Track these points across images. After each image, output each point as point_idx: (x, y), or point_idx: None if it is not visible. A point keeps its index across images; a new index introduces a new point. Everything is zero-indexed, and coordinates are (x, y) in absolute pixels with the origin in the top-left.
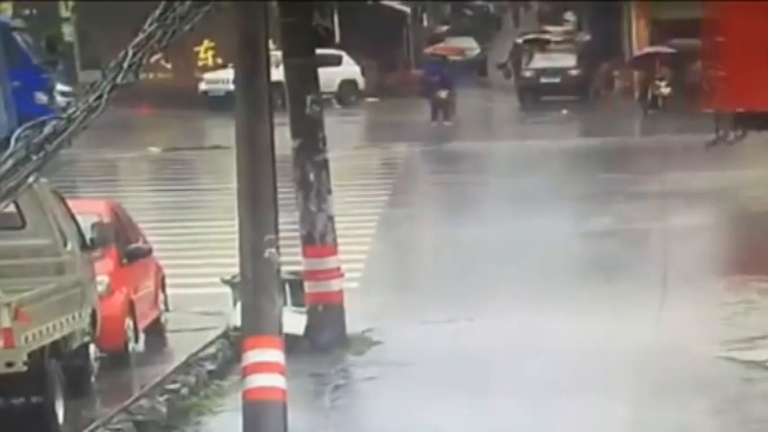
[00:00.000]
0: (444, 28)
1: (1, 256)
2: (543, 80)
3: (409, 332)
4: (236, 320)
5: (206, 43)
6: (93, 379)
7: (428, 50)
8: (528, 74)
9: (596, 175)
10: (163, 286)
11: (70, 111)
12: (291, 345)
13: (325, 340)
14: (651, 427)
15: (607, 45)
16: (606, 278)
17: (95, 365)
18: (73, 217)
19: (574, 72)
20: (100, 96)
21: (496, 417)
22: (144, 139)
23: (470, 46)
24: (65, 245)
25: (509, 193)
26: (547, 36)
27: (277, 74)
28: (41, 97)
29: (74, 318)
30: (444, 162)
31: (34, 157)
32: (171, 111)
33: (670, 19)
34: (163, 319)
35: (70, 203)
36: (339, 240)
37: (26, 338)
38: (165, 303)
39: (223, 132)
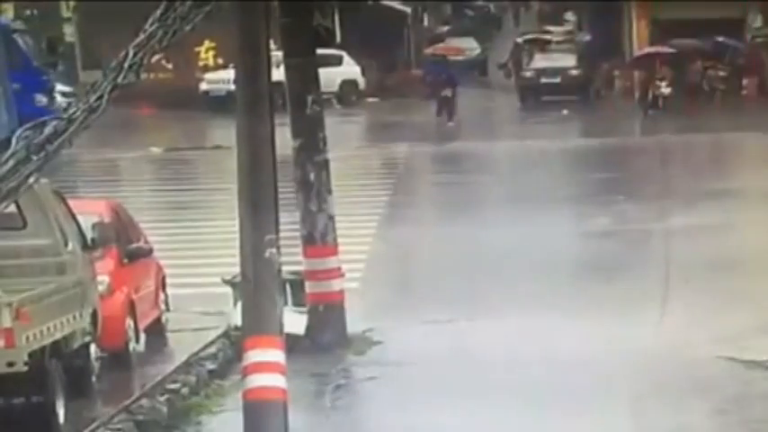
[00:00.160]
0: (445, 28)
1: (2, 256)
2: (544, 80)
3: (410, 332)
4: (237, 320)
5: (207, 43)
6: (93, 379)
7: (428, 50)
8: (528, 74)
9: (596, 175)
10: (163, 286)
11: (71, 111)
12: (292, 345)
13: (326, 340)
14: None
15: (607, 45)
16: (606, 278)
17: (96, 365)
18: (74, 217)
19: (574, 72)
20: (101, 97)
21: (496, 416)
22: (145, 139)
23: (471, 46)
24: (66, 245)
25: (509, 194)
26: (547, 36)
27: (278, 74)
28: (41, 99)
29: (74, 317)
30: (445, 162)
31: (35, 158)
32: (172, 111)
33: (670, 19)
34: (163, 319)
35: (71, 203)
36: (340, 240)
37: (27, 338)
38: (166, 303)
39: (224, 132)
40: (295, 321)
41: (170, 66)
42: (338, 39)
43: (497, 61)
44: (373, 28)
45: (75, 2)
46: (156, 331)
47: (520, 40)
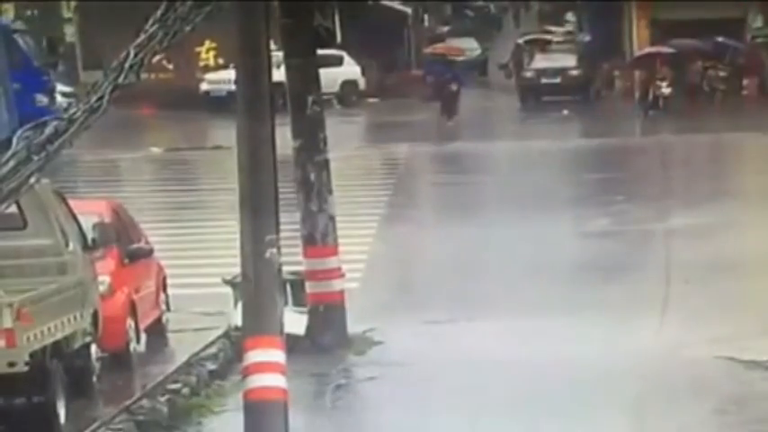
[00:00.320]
0: (445, 28)
1: (3, 256)
2: (544, 80)
3: (410, 332)
4: (238, 320)
5: (207, 44)
6: (94, 379)
7: (427, 50)
8: (529, 74)
9: (597, 175)
10: (164, 286)
11: (71, 111)
12: (292, 345)
13: (327, 340)
14: None
15: (608, 45)
16: (606, 278)
17: (97, 365)
18: (74, 217)
19: (574, 72)
20: (101, 97)
21: (497, 417)
22: (145, 140)
23: (471, 46)
24: (66, 245)
25: (509, 194)
26: (548, 36)
27: (278, 74)
28: (42, 99)
29: (75, 318)
30: (445, 162)
31: (36, 158)
32: (172, 111)
33: (670, 19)
34: (164, 319)
35: (72, 204)
36: (340, 240)
37: (28, 338)
38: (167, 303)
39: (224, 133)
40: (295, 321)
41: (171, 66)
42: (338, 39)
43: (498, 62)
44: (373, 28)
45: (76, 2)
46: (157, 331)
47: (521, 40)
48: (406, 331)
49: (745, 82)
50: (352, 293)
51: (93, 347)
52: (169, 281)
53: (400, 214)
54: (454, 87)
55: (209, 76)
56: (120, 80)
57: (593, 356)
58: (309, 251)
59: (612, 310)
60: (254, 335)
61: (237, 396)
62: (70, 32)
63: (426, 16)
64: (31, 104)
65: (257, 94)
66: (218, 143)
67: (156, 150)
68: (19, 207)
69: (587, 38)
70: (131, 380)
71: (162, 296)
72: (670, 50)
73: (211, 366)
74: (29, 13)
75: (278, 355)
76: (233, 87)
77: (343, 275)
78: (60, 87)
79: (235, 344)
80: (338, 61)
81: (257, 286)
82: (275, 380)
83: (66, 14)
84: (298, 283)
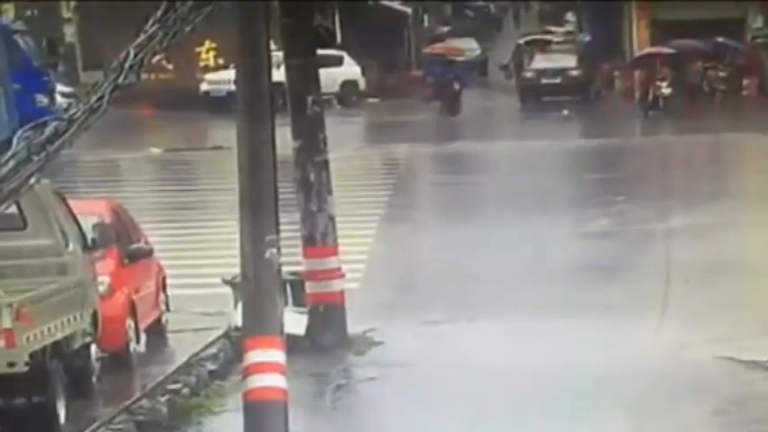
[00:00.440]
0: (445, 29)
1: (3, 256)
2: (544, 81)
3: (410, 333)
4: (237, 321)
5: (207, 44)
6: (94, 379)
7: (427, 50)
8: (529, 74)
9: (597, 175)
10: (164, 286)
11: (71, 111)
12: (292, 345)
13: (327, 340)
14: None
15: (608, 46)
16: (606, 279)
17: (97, 365)
18: (74, 217)
19: (574, 73)
20: (101, 97)
21: (497, 417)
22: (145, 140)
23: (471, 47)
24: (66, 245)
25: (509, 194)
26: (548, 37)
27: (278, 75)
28: (42, 99)
29: (75, 318)
30: (445, 162)
31: (36, 158)
32: (172, 111)
33: (670, 19)
34: (164, 320)
35: (71, 204)
36: (340, 241)
37: (28, 339)
38: (167, 304)
39: (224, 133)
40: (295, 322)
41: (171, 66)
42: (338, 39)
43: (498, 62)
44: (373, 28)
45: (76, 2)
46: (157, 332)
47: (521, 41)
48: (406, 332)
49: (745, 82)
50: (352, 294)
51: (93, 348)
52: (169, 281)
53: (400, 214)
54: (456, 86)
55: (209, 76)
56: (120, 80)
57: (592, 357)
58: (309, 251)
59: (612, 311)
60: (254, 335)
61: (237, 396)
62: (70, 32)
63: (426, 16)
64: (31, 105)
65: (257, 94)
66: (217, 143)
67: (155, 151)
68: (19, 207)
69: (587, 38)
70: (131, 380)
71: (162, 296)
72: (670, 51)
73: (211, 366)
74: (29, 13)
75: (278, 356)
76: (233, 87)
77: (343, 276)
78: (60, 87)
79: (235, 344)
80: (338, 61)
81: (257, 286)
82: (275, 380)
83: (66, 14)
84: (298, 284)
